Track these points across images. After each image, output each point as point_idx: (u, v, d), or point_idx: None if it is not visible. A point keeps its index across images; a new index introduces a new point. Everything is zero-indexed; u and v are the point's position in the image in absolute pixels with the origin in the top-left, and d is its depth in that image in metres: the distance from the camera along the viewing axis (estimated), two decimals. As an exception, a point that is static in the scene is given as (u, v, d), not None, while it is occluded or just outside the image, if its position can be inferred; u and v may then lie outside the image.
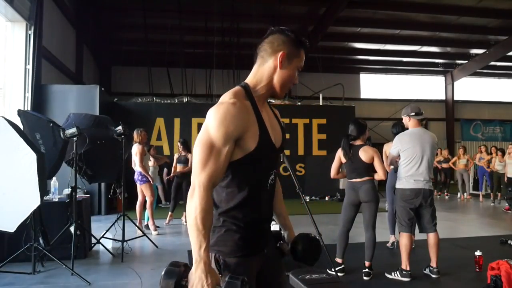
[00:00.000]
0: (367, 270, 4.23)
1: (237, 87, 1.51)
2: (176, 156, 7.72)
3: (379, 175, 4.22)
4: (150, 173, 7.11)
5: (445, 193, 12.38)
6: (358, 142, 4.29)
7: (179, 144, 7.81)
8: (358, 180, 4.24)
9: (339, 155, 4.35)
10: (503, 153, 10.29)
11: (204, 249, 1.32)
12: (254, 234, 1.51)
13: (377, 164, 4.20)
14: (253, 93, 1.50)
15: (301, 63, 1.55)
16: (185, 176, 7.53)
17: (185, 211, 7.54)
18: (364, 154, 4.20)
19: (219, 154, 1.37)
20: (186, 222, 7.48)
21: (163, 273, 1.34)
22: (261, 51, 1.52)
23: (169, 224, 7.52)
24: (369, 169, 4.25)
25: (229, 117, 1.38)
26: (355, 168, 4.25)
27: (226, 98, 1.45)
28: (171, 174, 7.77)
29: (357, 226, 4.57)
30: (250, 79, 1.54)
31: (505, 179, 9.91)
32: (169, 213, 7.61)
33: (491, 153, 11.05)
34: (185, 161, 7.55)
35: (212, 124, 1.38)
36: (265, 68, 1.50)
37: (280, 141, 1.56)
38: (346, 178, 4.43)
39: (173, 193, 7.62)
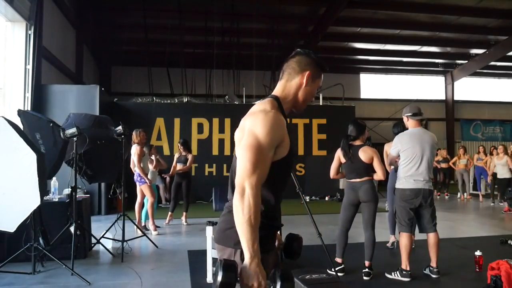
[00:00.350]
0: (367, 270, 4.23)
1: (271, 99, 1.67)
2: (176, 156, 7.71)
3: (378, 175, 4.24)
4: (149, 173, 7.12)
5: (445, 193, 12.38)
6: (357, 142, 4.30)
7: (179, 144, 7.81)
8: (358, 180, 4.24)
9: (339, 155, 4.35)
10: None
11: (257, 245, 1.44)
12: (273, 232, 1.69)
13: (376, 165, 4.21)
14: (283, 107, 1.68)
15: (320, 83, 1.75)
16: (185, 176, 7.54)
17: (185, 211, 7.62)
18: (364, 154, 4.21)
19: (266, 158, 1.51)
20: (186, 222, 7.52)
21: (221, 267, 1.40)
22: (288, 69, 1.71)
23: (169, 224, 7.52)
24: (369, 169, 4.27)
25: (275, 126, 1.53)
26: (355, 168, 4.26)
27: (268, 107, 1.59)
28: (170, 173, 7.78)
29: (357, 226, 4.57)
30: (279, 93, 1.70)
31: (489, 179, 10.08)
32: (169, 213, 7.61)
33: (491, 154, 11.06)
34: (185, 161, 7.56)
35: (262, 131, 1.51)
36: (292, 84, 1.70)
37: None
38: (345, 178, 4.43)
39: (173, 193, 7.63)
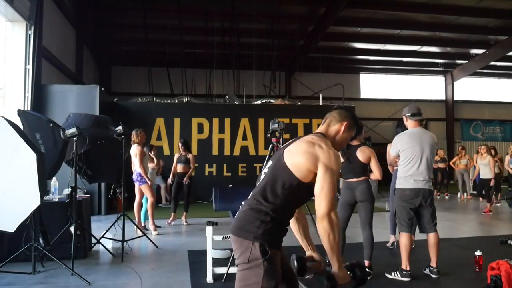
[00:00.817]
0: (367, 269, 4.23)
1: (324, 137, 2.06)
2: (176, 156, 7.71)
3: (375, 175, 4.29)
4: (148, 173, 7.12)
5: (445, 193, 12.38)
6: (355, 142, 4.33)
7: (180, 144, 7.80)
8: (355, 180, 4.27)
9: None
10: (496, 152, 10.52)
11: (339, 256, 1.86)
12: (285, 232, 1.98)
13: (373, 165, 4.26)
14: None
15: (353, 134, 2.19)
16: (185, 176, 7.54)
17: (185, 211, 7.61)
18: (362, 154, 4.24)
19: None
20: (186, 222, 7.51)
21: (295, 258, 1.92)
22: (331, 117, 2.16)
23: (171, 224, 7.51)
24: (366, 169, 4.31)
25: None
26: (353, 168, 4.28)
27: (329, 144, 1.99)
28: (171, 175, 7.75)
29: (356, 225, 4.57)
30: (322, 132, 2.11)
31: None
32: (172, 213, 7.60)
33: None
34: (185, 161, 7.55)
35: (336, 169, 1.90)
36: (333, 129, 2.12)
37: None
38: (342, 178, 4.44)
39: (173, 193, 7.63)
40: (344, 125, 2.09)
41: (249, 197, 2.00)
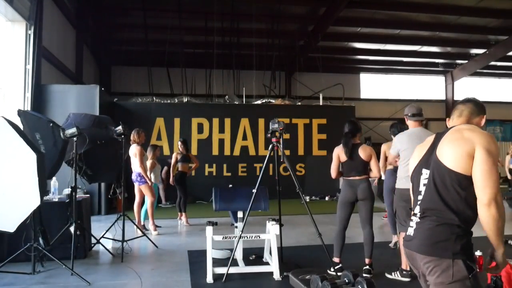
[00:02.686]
0: (367, 267, 4.24)
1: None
2: (178, 155, 7.61)
3: (374, 173, 4.36)
4: (152, 172, 7.13)
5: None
6: (356, 141, 4.35)
7: (180, 143, 7.77)
8: (357, 178, 4.29)
9: (338, 153, 4.39)
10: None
11: (501, 241, 1.79)
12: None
13: (373, 163, 4.32)
14: None
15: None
16: (185, 176, 7.54)
17: (180, 211, 7.56)
18: (364, 152, 4.29)
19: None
20: (187, 223, 7.47)
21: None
22: (468, 108, 2.06)
23: (189, 224, 7.48)
24: (366, 167, 4.35)
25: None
26: (355, 166, 4.30)
27: (485, 131, 1.93)
28: (171, 175, 7.70)
29: (357, 225, 4.57)
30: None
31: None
32: (183, 213, 7.58)
33: None
34: (185, 160, 7.54)
35: (494, 149, 1.81)
36: (473, 122, 2.02)
37: None
38: (343, 177, 4.45)
39: (182, 192, 7.59)
40: (484, 118, 2.04)
41: (423, 212, 1.90)
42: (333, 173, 4.50)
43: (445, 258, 1.78)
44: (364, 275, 4.16)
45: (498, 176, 1.76)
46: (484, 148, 1.78)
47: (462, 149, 1.80)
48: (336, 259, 4.34)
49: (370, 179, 4.44)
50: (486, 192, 1.73)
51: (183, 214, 7.61)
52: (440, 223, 1.82)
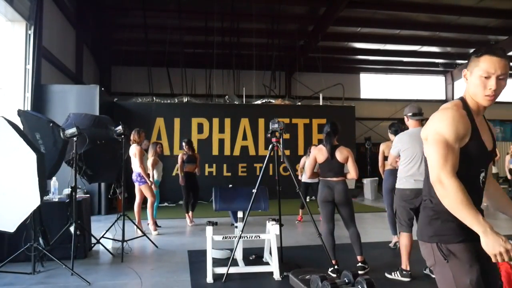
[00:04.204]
0: (360, 264, 4.26)
1: (457, 99, 1.81)
2: (183, 156, 7.53)
3: (351, 175, 4.39)
4: (155, 170, 7.12)
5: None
6: (335, 142, 4.38)
7: (184, 143, 7.72)
8: (334, 179, 4.36)
9: (315, 154, 4.45)
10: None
11: (482, 218, 1.53)
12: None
13: (350, 164, 4.36)
14: (469, 105, 1.78)
15: (485, 69, 1.68)
16: (194, 176, 7.53)
17: (191, 210, 7.57)
18: (340, 154, 4.35)
19: (453, 149, 1.67)
20: (192, 222, 7.45)
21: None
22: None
23: (193, 224, 7.48)
24: (343, 169, 4.41)
25: (456, 119, 1.68)
26: (332, 167, 4.37)
27: (449, 106, 1.76)
28: (180, 177, 7.56)
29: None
30: (465, 95, 1.82)
31: None
32: (186, 214, 7.57)
33: None
34: (192, 161, 7.52)
35: (442, 126, 1.68)
36: (466, 86, 1.80)
37: (491, 146, 1.81)
38: (320, 177, 4.48)
39: (186, 194, 7.55)
40: (464, 75, 1.79)
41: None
42: (309, 172, 4.54)
43: (424, 241, 1.79)
44: (359, 272, 4.17)
45: (444, 154, 1.64)
46: (430, 128, 1.74)
47: (423, 133, 1.81)
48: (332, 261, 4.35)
49: (347, 180, 4.47)
50: (431, 174, 1.68)
51: (190, 213, 7.59)
52: (423, 207, 1.86)
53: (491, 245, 1.48)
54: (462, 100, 1.79)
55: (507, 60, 1.67)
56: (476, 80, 1.70)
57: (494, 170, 10.61)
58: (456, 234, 1.69)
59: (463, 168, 1.69)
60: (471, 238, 1.62)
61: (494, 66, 1.66)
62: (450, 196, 1.58)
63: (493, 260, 1.50)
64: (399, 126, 5.23)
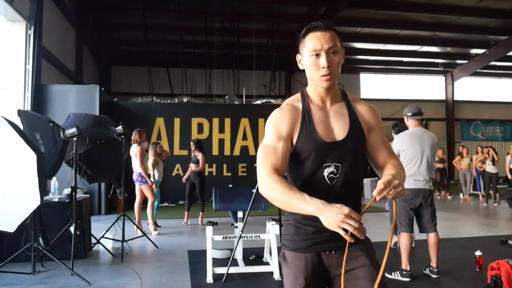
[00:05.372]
0: None
1: (297, 93, 1.68)
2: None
3: None
4: (156, 169, 7.13)
5: (447, 193, 12.38)
6: None
7: (192, 143, 7.82)
8: None
9: None
10: (495, 153, 10.79)
11: (310, 198, 1.37)
12: (307, 233, 1.56)
13: None
14: (308, 95, 1.63)
15: (312, 47, 1.52)
16: (198, 175, 7.56)
17: (201, 211, 7.60)
18: None
19: (274, 149, 1.55)
20: (201, 223, 7.49)
21: None
22: None
23: (188, 223, 7.52)
24: None
25: (277, 117, 1.58)
26: None
27: (283, 103, 1.65)
28: (185, 176, 7.70)
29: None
30: (309, 84, 1.66)
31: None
32: (186, 212, 7.62)
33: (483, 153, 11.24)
34: (196, 161, 7.57)
35: (266, 128, 1.62)
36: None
37: (339, 136, 1.57)
38: None
39: (187, 192, 7.63)
40: (296, 58, 1.63)
41: None
42: None
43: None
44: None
45: (262, 159, 1.57)
46: None
47: None
48: None
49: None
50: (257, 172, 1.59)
51: (200, 213, 7.66)
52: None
53: (330, 219, 1.30)
54: (302, 92, 1.65)
55: (332, 31, 1.53)
56: (307, 62, 1.54)
57: (494, 170, 10.61)
58: (292, 241, 1.59)
59: (299, 169, 1.58)
60: (302, 248, 1.56)
61: (320, 42, 1.50)
62: (273, 193, 1.46)
63: (344, 236, 1.31)
64: (402, 126, 5.21)
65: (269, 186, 1.48)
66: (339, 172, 1.55)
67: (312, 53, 1.52)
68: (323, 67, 1.51)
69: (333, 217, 1.30)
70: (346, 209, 1.30)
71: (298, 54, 1.61)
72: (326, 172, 1.54)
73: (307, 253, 1.55)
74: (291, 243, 1.58)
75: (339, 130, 1.58)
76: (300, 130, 1.55)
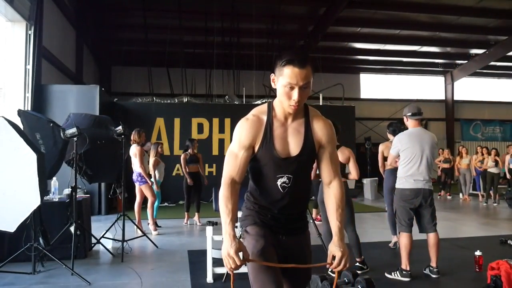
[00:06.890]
0: (358, 264, 4.28)
1: (267, 103, 1.85)
2: (186, 156, 7.45)
3: (352, 175, 4.38)
4: (156, 170, 7.12)
5: (447, 193, 12.38)
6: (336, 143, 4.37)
7: (191, 142, 7.68)
8: None
9: None
10: (497, 153, 10.83)
11: (228, 223, 1.69)
12: (265, 217, 1.87)
13: (351, 165, 4.35)
14: (274, 109, 1.81)
15: (288, 80, 1.66)
16: (196, 176, 7.51)
17: (197, 211, 7.58)
18: (341, 154, 4.30)
19: (235, 156, 1.79)
20: (199, 222, 7.48)
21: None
22: None
23: (187, 224, 7.51)
24: (344, 169, 4.38)
25: (243, 127, 1.80)
26: None
27: (251, 113, 1.84)
28: (186, 176, 7.45)
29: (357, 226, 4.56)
30: (277, 98, 1.80)
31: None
32: (186, 213, 7.60)
33: (482, 154, 11.26)
34: (197, 161, 7.51)
35: (234, 134, 1.83)
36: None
37: (293, 152, 1.79)
38: (320, 178, 4.44)
39: (186, 193, 7.54)
40: (272, 79, 1.77)
41: None
42: (312, 174, 4.50)
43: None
44: (358, 271, 4.16)
45: (225, 163, 1.83)
46: None
47: None
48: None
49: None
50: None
51: (196, 214, 7.58)
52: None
53: (223, 248, 1.65)
54: (270, 104, 1.82)
55: (309, 67, 1.66)
56: (281, 89, 1.70)
57: (495, 170, 10.62)
58: (252, 219, 1.88)
59: (257, 174, 1.85)
60: (261, 223, 1.85)
61: (296, 78, 1.64)
62: (220, 200, 1.77)
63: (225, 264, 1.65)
64: (397, 126, 5.23)
65: (221, 193, 1.77)
66: (290, 182, 1.81)
67: (287, 85, 1.67)
68: (294, 100, 1.69)
69: (224, 249, 1.65)
70: (232, 251, 1.62)
71: (272, 74, 1.75)
72: (279, 182, 1.80)
73: (265, 228, 1.84)
74: (252, 219, 1.87)
75: (294, 146, 1.79)
76: (261, 143, 1.77)
